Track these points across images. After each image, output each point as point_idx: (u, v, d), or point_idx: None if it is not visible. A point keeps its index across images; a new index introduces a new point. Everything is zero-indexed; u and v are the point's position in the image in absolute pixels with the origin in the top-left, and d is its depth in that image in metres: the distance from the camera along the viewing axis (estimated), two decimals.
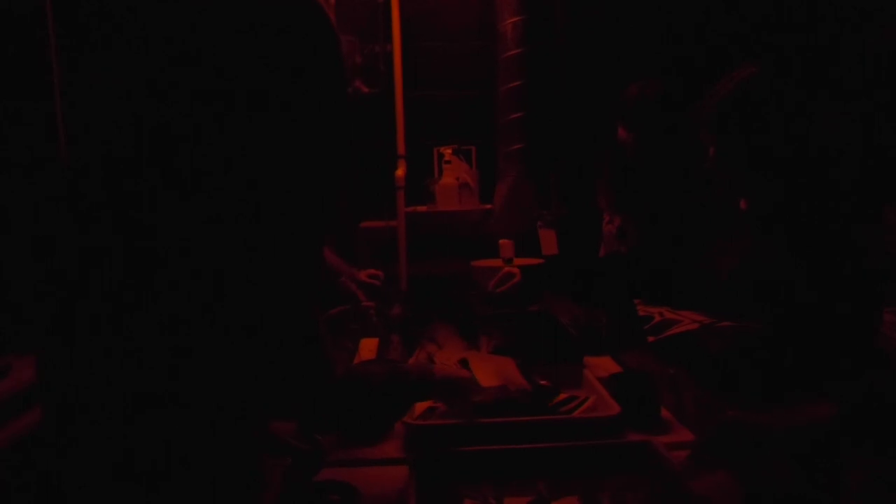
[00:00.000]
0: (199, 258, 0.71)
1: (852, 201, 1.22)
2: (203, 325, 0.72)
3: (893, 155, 1.36)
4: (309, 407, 0.90)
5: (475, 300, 1.81)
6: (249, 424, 0.79)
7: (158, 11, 0.70)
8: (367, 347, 1.78)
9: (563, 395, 1.39)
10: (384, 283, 2.12)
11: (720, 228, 1.43)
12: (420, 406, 1.31)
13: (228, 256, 0.72)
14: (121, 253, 0.70)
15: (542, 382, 1.44)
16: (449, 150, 2.82)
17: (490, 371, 1.40)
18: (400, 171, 2.77)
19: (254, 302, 0.74)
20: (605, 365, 1.65)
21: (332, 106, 0.79)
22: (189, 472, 0.74)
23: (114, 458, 0.70)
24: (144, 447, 0.71)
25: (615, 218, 2.11)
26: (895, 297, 1.22)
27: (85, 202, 0.70)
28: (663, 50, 2.55)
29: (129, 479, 0.70)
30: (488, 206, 2.81)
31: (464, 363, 1.47)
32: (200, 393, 0.73)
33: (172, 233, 0.70)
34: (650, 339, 1.40)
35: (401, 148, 2.80)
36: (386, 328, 1.86)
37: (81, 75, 0.71)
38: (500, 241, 2.37)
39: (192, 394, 0.73)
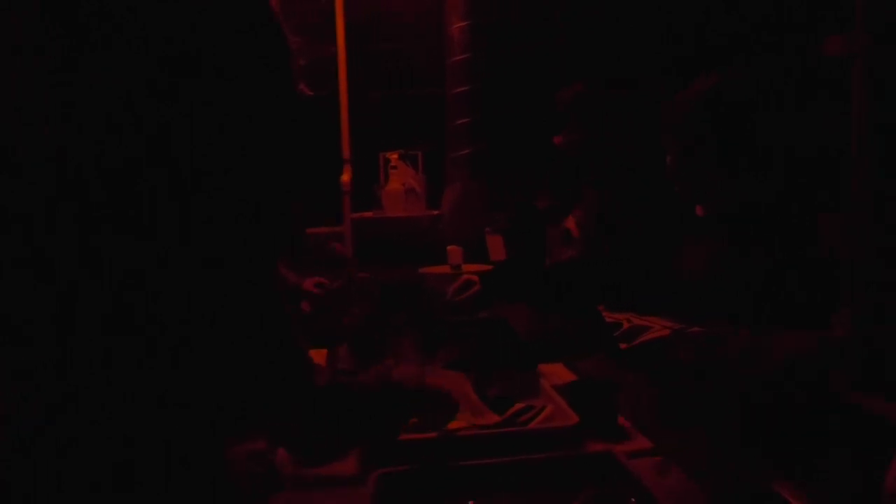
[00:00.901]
0: (199, 258, 0.71)
1: (811, 207, 1.25)
2: (203, 324, 0.72)
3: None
4: (307, 412, 0.88)
5: (433, 308, 1.77)
6: (249, 425, 0.81)
7: (158, 11, 0.69)
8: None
9: (518, 406, 1.38)
10: (344, 287, 2.06)
11: (680, 233, 1.45)
12: None
13: (228, 256, 0.73)
14: (121, 253, 0.69)
15: (494, 392, 1.43)
16: (395, 156, 2.78)
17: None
18: (346, 176, 2.72)
19: (254, 302, 0.75)
20: (558, 373, 1.65)
21: (300, 107, 0.80)
22: (189, 472, 0.74)
23: (114, 459, 0.70)
24: (144, 447, 0.71)
25: (561, 220, 2.12)
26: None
27: (85, 202, 0.69)
28: (663, 50, 2.55)
29: (129, 479, 0.70)
30: (436, 212, 2.78)
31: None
32: (200, 393, 0.73)
33: (172, 233, 0.70)
34: (623, 346, 1.40)
35: (346, 152, 2.74)
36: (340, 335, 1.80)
37: (81, 75, 0.68)
38: (449, 248, 2.35)
39: (192, 394, 0.73)
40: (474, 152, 2.69)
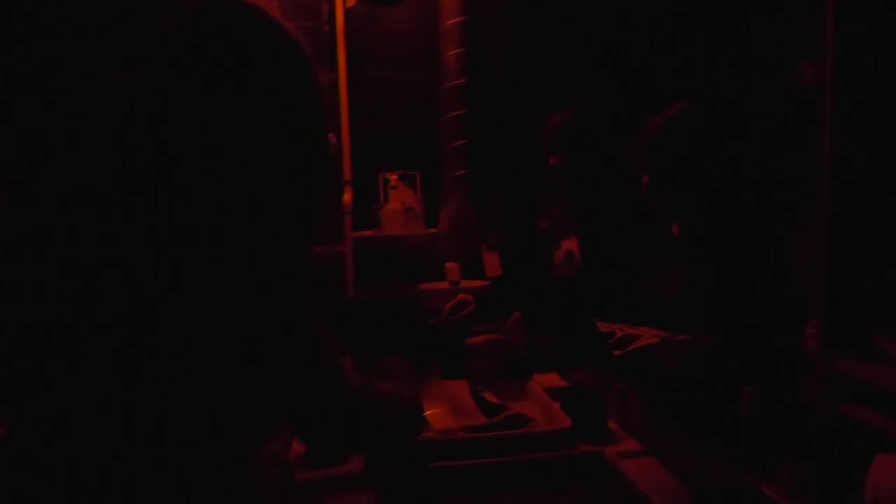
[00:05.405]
0: (200, 258, 0.72)
1: (779, 225, 1.34)
2: (203, 325, 0.72)
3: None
4: (327, 417, 0.87)
5: (430, 327, 1.82)
6: (250, 428, 0.81)
7: (159, 13, 0.72)
8: None
9: (509, 412, 1.43)
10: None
11: (660, 252, 1.53)
12: None
13: (229, 257, 0.73)
14: (122, 253, 0.70)
15: (488, 398, 1.49)
16: (395, 176, 2.87)
17: (443, 398, 1.45)
18: (347, 197, 2.81)
19: (254, 303, 0.74)
20: (552, 381, 1.72)
21: (321, 109, 0.82)
22: (216, 475, 0.74)
23: (114, 459, 0.70)
24: (144, 447, 0.71)
25: (562, 243, 2.20)
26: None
27: (85, 202, 0.70)
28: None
29: (129, 479, 0.70)
30: (433, 231, 2.87)
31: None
32: (201, 394, 0.73)
33: (172, 233, 0.71)
34: (616, 353, 1.47)
35: (348, 174, 2.83)
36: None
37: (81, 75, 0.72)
38: (447, 265, 2.43)
39: (192, 395, 0.73)
40: (469, 173, 2.79)
